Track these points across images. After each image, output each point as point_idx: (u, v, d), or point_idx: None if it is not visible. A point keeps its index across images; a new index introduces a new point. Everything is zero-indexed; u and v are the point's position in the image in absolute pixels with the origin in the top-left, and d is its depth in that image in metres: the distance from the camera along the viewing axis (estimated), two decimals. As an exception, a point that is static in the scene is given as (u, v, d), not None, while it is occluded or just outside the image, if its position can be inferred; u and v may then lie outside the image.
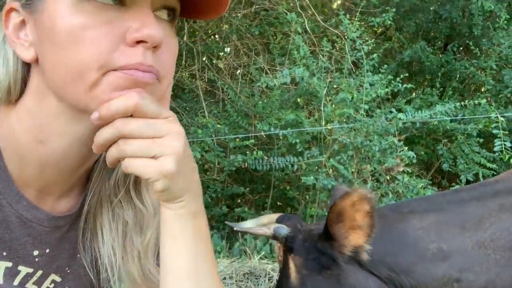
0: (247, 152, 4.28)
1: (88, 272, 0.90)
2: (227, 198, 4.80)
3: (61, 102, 0.72)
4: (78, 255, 0.89)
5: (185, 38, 4.90)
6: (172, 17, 0.74)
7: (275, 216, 1.49)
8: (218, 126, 4.35)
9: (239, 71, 5.12)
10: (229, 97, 4.72)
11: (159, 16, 0.71)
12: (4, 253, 0.78)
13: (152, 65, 0.68)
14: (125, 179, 0.87)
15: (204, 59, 5.14)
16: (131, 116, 0.68)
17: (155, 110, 0.68)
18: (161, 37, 0.67)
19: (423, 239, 1.36)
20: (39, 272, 0.83)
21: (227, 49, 5.38)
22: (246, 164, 4.23)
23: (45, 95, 0.73)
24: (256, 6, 4.94)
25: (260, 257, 3.42)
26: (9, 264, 0.79)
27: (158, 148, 0.67)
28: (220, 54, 5.58)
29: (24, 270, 0.81)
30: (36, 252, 0.82)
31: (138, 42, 0.67)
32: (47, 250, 0.83)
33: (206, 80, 4.97)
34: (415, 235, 1.37)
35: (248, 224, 1.49)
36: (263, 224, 1.47)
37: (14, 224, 0.78)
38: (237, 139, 4.38)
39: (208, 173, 4.53)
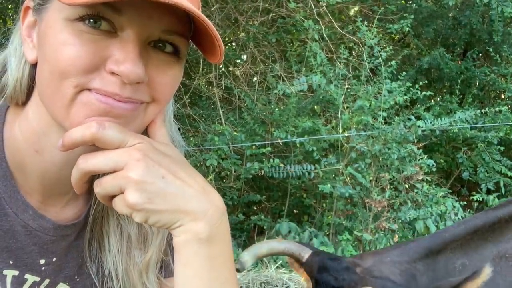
0: (264, 160, 4.27)
1: (94, 281, 0.89)
2: (244, 205, 4.78)
3: (51, 117, 0.73)
4: (87, 263, 0.88)
5: (202, 46, 4.91)
6: (174, 50, 0.72)
7: (294, 244, 1.44)
8: (235, 133, 4.35)
9: (255, 78, 5.11)
10: (245, 104, 4.72)
11: (151, 48, 0.70)
12: (11, 262, 0.78)
13: (130, 96, 0.68)
14: None
15: (221, 66, 5.16)
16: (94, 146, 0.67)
17: (116, 140, 0.67)
18: (137, 76, 0.66)
19: (451, 259, 1.39)
20: (46, 281, 0.83)
21: (244, 57, 5.38)
22: (263, 172, 4.21)
23: (42, 106, 0.74)
24: (273, 14, 4.94)
25: (277, 267, 3.39)
26: (16, 273, 0.78)
27: (120, 181, 0.66)
28: (237, 61, 5.60)
29: (31, 278, 0.80)
30: (42, 261, 0.82)
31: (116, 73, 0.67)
32: (54, 259, 0.83)
33: (223, 88, 4.98)
34: (445, 258, 1.40)
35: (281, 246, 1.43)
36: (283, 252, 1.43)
37: (20, 233, 0.78)
38: (254, 147, 4.37)
39: (224, 181, 4.53)
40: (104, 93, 0.66)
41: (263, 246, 1.37)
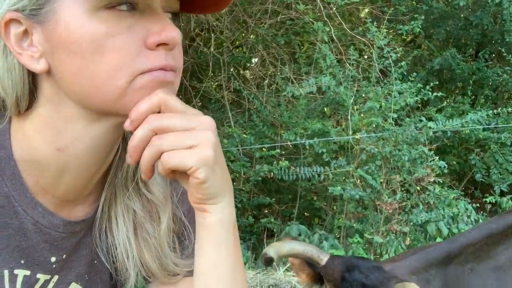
0: (273, 162, 4.26)
1: (105, 274, 0.88)
2: (253, 208, 4.78)
3: (78, 108, 0.72)
4: (95, 262, 0.88)
5: (211, 49, 4.94)
6: (173, 17, 0.75)
7: (300, 241, 1.45)
8: (244, 136, 4.35)
9: (265, 81, 5.12)
10: (255, 107, 4.72)
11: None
12: (22, 261, 0.77)
13: (174, 64, 0.71)
14: (135, 171, 0.86)
15: (230, 69, 5.16)
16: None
17: (181, 105, 0.69)
18: (179, 38, 0.70)
19: (462, 263, 1.41)
20: (55, 277, 0.83)
21: (254, 59, 5.39)
22: (272, 174, 4.21)
23: (62, 103, 0.73)
24: (282, 16, 4.94)
25: (286, 269, 3.37)
26: (27, 272, 0.78)
27: (193, 138, 0.67)
28: (247, 64, 5.60)
29: (42, 278, 0.80)
30: (53, 259, 0.81)
31: (159, 45, 0.68)
32: (64, 256, 0.83)
33: (232, 90, 4.99)
34: (458, 262, 1.43)
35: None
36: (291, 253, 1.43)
37: (31, 231, 0.78)
38: (263, 149, 4.36)
39: (234, 183, 4.51)
40: (154, 69, 0.68)
41: (284, 245, 1.41)
